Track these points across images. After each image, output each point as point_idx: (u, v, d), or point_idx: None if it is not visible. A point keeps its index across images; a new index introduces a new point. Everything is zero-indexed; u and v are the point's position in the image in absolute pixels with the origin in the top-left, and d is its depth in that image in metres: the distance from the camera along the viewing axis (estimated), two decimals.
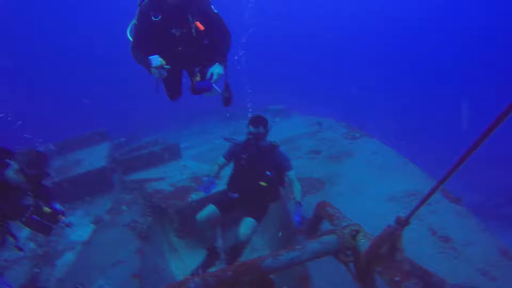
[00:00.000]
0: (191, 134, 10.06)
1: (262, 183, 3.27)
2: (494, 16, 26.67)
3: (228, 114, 10.24)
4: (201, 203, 4.18)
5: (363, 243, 1.94)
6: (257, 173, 3.31)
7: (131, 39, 2.88)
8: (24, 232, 5.27)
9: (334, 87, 19.82)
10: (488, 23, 26.82)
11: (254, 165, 3.34)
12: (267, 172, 3.30)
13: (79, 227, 5.18)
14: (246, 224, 3.24)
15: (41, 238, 4.99)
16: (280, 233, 3.96)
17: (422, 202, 1.41)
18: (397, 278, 1.62)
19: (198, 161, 5.98)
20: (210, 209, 3.37)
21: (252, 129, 3.26)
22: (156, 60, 2.65)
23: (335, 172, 4.33)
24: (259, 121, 3.27)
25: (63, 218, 3.07)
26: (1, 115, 7.35)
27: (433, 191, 1.31)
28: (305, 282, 2.76)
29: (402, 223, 1.58)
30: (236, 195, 3.44)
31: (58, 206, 3.11)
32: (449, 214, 3.26)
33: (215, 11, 2.84)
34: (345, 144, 5.37)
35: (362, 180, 4.02)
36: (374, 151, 4.81)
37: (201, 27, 2.79)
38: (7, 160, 2.49)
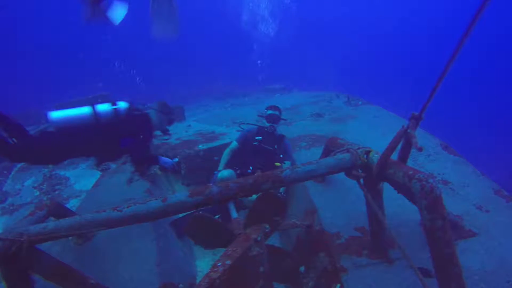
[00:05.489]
0: (191, 109, 10.18)
1: (277, 164, 3.67)
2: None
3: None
4: (209, 152, 4.32)
5: (376, 157, 2.10)
6: (269, 154, 3.82)
7: None
8: (28, 181, 5.33)
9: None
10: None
11: (266, 147, 3.86)
12: (281, 155, 3.83)
13: (82, 178, 5.26)
14: None
15: (45, 186, 5.07)
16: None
17: (432, 93, 1.57)
18: (410, 172, 1.79)
19: (201, 123, 6.08)
20: (230, 172, 3.58)
21: (270, 111, 4.07)
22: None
23: (339, 130, 4.48)
24: (275, 107, 4.18)
25: None
26: None
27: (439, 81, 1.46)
28: (312, 215, 2.93)
29: (416, 117, 1.74)
30: (250, 169, 3.70)
31: None
32: (448, 162, 3.47)
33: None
34: (348, 109, 5.53)
35: (365, 137, 4.16)
36: (376, 115, 4.99)
37: None
38: None
